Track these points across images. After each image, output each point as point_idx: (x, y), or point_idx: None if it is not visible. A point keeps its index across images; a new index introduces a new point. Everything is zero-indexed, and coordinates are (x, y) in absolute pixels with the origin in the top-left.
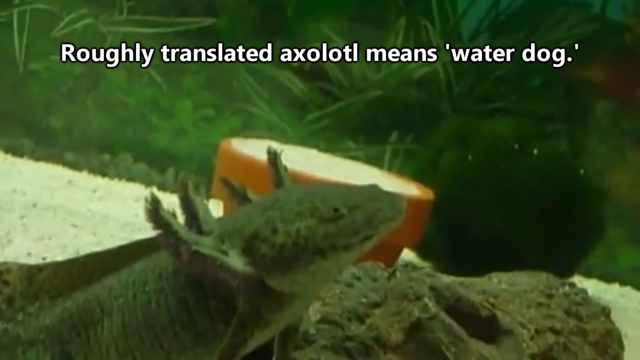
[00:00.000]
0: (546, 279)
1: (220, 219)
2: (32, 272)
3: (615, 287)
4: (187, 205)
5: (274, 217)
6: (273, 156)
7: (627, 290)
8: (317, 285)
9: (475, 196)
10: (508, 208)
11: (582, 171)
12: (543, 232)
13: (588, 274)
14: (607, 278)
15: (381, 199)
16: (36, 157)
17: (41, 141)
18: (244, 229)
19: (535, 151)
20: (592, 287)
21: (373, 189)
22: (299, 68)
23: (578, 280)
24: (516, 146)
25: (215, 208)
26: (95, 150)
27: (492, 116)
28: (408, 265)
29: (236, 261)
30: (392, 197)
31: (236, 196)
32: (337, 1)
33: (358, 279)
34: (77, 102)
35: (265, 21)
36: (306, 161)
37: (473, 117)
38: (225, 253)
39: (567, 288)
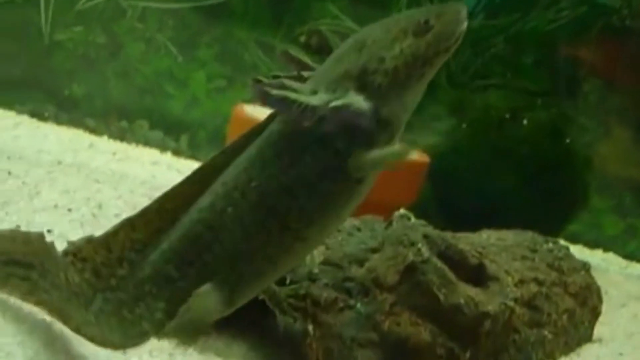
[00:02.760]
0: (531, 237)
1: (311, 78)
2: (107, 240)
3: (599, 252)
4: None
5: (374, 51)
6: (286, 55)
7: (610, 255)
8: (408, 113)
9: (468, 162)
10: (499, 174)
11: (568, 140)
12: (531, 196)
13: (574, 240)
14: (592, 245)
15: (448, 2)
16: (59, 122)
17: (64, 107)
18: (348, 71)
19: (525, 121)
20: (577, 252)
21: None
22: (306, 43)
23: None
24: (507, 116)
25: None
26: (114, 117)
27: (486, 91)
28: (404, 216)
29: (359, 100)
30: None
31: (298, 64)
32: None
33: (358, 229)
34: (98, 72)
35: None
36: None
37: (468, 92)
38: (345, 98)
39: (550, 245)
